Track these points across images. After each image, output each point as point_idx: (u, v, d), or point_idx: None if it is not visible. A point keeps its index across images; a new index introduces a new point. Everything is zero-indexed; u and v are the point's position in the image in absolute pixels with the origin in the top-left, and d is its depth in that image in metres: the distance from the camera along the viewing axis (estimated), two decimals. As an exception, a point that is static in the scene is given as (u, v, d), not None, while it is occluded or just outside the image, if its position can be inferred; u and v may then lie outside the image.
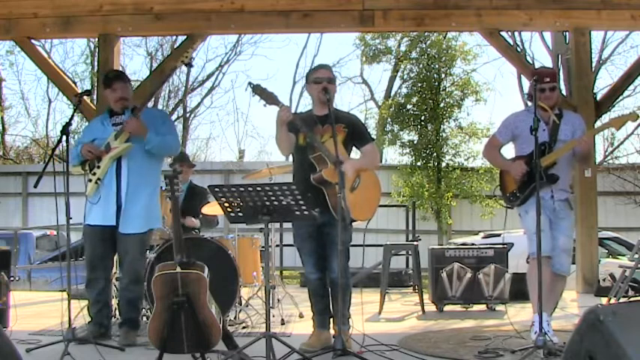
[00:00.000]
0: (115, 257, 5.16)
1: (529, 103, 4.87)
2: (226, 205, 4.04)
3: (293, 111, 4.48)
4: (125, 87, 5.04)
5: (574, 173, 7.32)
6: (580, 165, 4.88)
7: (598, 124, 8.24)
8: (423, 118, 14.47)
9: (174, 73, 18.43)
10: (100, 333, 4.81)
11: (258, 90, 4.34)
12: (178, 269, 3.95)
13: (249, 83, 4.35)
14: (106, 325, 4.96)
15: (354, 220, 4.42)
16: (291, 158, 4.85)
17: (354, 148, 4.73)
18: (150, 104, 5.32)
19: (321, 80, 4.52)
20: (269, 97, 4.34)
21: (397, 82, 19.65)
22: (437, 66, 14.38)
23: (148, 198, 4.93)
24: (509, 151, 4.95)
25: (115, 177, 4.82)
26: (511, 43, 14.75)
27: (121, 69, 9.75)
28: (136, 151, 4.84)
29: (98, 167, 4.77)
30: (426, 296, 6.78)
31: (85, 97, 4.90)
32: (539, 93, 4.54)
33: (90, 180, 4.76)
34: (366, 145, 4.65)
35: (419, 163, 14.29)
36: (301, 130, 4.40)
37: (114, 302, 5.38)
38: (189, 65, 4.93)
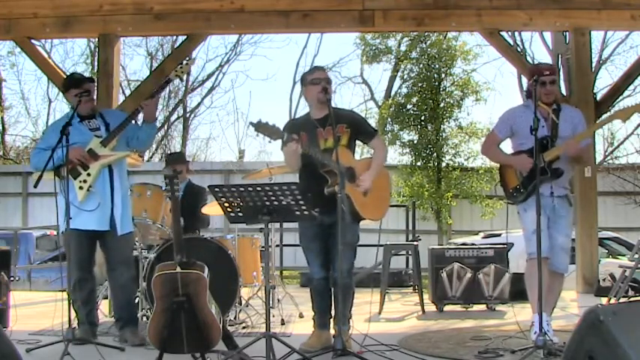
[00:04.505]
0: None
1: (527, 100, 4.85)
2: (226, 205, 4.04)
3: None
4: (94, 88, 5.07)
5: (574, 172, 7.32)
6: (572, 165, 4.84)
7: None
8: (423, 118, 14.46)
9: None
10: (93, 333, 4.83)
11: (260, 128, 4.19)
12: (178, 269, 3.96)
13: (251, 123, 4.22)
14: (97, 325, 5.01)
15: (372, 220, 4.55)
16: None
17: (360, 142, 4.79)
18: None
19: (318, 81, 4.51)
20: (273, 133, 4.23)
21: (397, 82, 19.67)
22: (437, 66, 14.37)
23: (128, 199, 5.11)
24: (506, 148, 4.94)
25: (108, 183, 4.85)
26: (511, 43, 14.77)
27: (121, 69, 9.74)
28: None
29: (89, 174, 4.75)
30: (426, 296, 6.78)
31: (84, 97, 4.86)
32: (540, 87, 4.52)
33: (81, 188, 4.73)
34: (373, 140, 4.71)
35: (419, 163, 14.29)
36: (309, 153, 4.34)
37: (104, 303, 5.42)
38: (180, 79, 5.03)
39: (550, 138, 4.59)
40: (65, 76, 5.54)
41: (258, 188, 3.91)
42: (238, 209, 4.04)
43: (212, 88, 23.02)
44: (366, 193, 4.49)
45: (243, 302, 6.00)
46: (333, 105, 4.47)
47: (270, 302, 4.81)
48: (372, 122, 16.33)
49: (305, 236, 4.63)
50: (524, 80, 16.52)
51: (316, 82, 4.52)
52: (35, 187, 4.48)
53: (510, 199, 4.78)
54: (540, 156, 4.37)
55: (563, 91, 14.78)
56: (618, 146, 18.09)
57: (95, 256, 5.04)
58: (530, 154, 4.54)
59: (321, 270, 4.57)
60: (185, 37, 8.15)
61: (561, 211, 4.67)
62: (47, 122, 21.93)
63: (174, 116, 22.95)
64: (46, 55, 9.60)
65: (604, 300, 6.70)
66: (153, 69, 17.98)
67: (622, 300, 6.27)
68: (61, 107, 22.75)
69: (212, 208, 6.19)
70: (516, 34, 17.72)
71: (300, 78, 4.85)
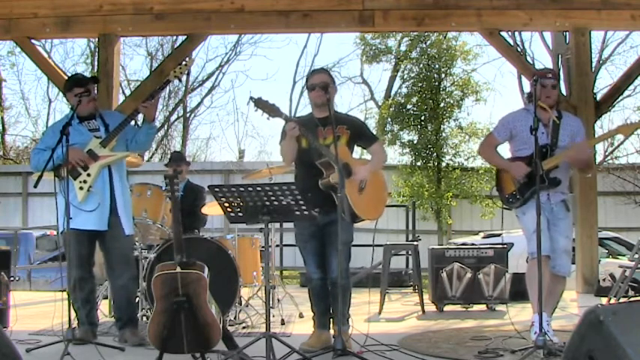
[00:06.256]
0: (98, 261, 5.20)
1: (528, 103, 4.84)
2: (226, 205, 4.04)
3: (292, 112, 4.50)
4: (94, 88, 5.05)
5: (573, 173, 7.33)
6: (580, 173, 4.86)
7: (598, 124, 8.22)
8: (423, 118, 14.47)
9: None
10: (93, 333, 4.84)
11: (260, 104, 4.30)
12: (178, 269, 3.96)
13: (251, 97, 4.31)
14: (97, 325, 5.02)
15: (362, 220, 4.50)
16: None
17: (360, 147, 4.82)
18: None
19: (314, 87, 4.53)
20: (272, 110, 4.32)
21: (397, 82, 19.67)
22: (437, 66, 14.37)
23: (129, 199, 5.10)
24: (504, 152, 4.94)
25: (108, 183, 4.85)
26: (511, 43, 14.76)
27: (121, 69, 9.75)
28: None
29: (89, 175, 4.75)
30: (426, 296, 6.78)
31: (84, 97, 4.86)
32: (541, 88, 4.52)
33: (81, 188, 4.73)
34: (373, 145, 4.73)
35: (419, 163, 14.30)
36: (307, 139, 4.40)
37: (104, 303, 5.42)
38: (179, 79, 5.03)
39: (549, 146, 4.59)
40: (67, 77, 5.55)
41: (258, 188, 3.91)
42: (238, 209, 4.04)
43: (212, 88, 23.03)
44: (362, 191, 4.48)
45: (243, 302, 6.00)
46: (335, 110, 4.50)
47: (270, 302, 4.82)
48: (372, 122, 16.39)
49: (301, 236, 4.63)
50: (525, 80, 16.56)
51: (311, 87, 4.56)
52: (35, 187, 4.48)
53: (506, 204, 4.78)
54: (539, 164, 4.36)
55: (564, 91, 14.78)
56: (618, 146, 18.03)
57: (95, 256, 5.04)
58: (527, 162, 4.53)
59: (319, 270, 4.57)
60: (185, 37, 8.16)
61: (560, 214, 4.67)
62: (47, 122, 21.96)
63: (174, 116, 22.96)
64: (46, 55, 9.61)
65: (604, 300, 6.71)
66: (153, 69, 17.98)
67: (622, 300, 6.27)
68: (61, 107, 22.79)
69: (212, 208, 6.20)
70: (516, 34, 17.71)
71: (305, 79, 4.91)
